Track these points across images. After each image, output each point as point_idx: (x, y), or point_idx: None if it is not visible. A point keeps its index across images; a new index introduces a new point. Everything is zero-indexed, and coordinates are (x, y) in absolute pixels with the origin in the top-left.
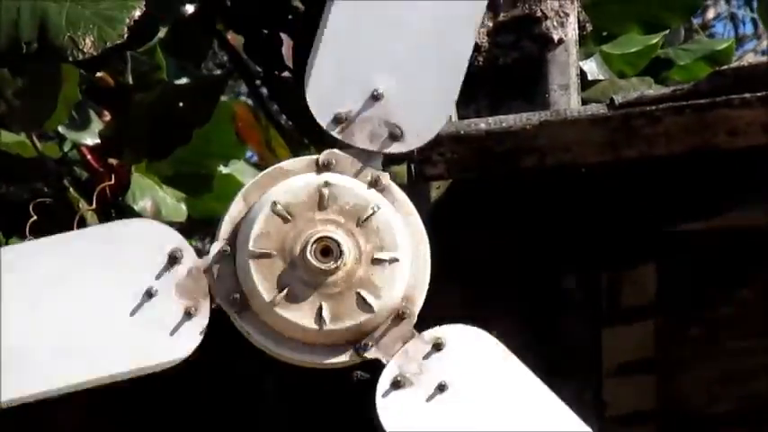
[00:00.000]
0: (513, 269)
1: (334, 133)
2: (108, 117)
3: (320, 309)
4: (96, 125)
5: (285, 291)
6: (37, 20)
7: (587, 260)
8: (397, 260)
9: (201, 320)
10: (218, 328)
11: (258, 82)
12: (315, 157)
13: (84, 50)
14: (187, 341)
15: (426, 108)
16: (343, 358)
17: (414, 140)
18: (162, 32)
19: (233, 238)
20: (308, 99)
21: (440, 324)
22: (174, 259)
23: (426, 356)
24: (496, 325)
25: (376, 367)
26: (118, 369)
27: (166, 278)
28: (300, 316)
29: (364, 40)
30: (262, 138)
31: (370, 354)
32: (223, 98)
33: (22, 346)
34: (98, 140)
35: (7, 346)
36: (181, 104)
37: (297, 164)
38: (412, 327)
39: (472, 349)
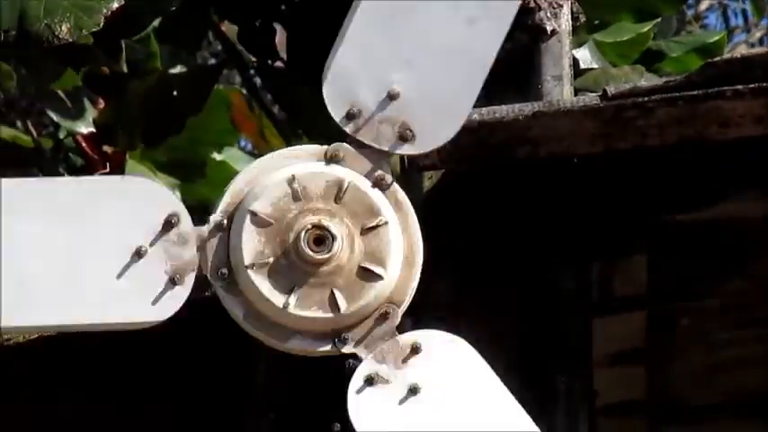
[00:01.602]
0: (505, 260)
1: (347, 129)
2: (103, 105)
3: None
4: (91, 113)
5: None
6: (17, 10)
7: (579, 250)
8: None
9: (185, 290)
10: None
11: (251, 72)
12: (323, 147)
13: (61, 37)
14: (165, 308)
15: (442, 111)
16: (325, 348)
17: (426, 143)
18: (156, 21)
19: (231, 214)
20: (324, 92)
21: (429, 314)
22: (169, 224)
23: (404, 359)
24: (486, 316)
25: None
26: (89, 319)
27: (159, 242)
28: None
29: (388, 38)
30: (256, 127)
31: (348, 348)
32: (218, 86)
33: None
34: (93, 129)
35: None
36: (175, 93)
37: (303, 151)
38: (394, 327)
39: (447, 355)
